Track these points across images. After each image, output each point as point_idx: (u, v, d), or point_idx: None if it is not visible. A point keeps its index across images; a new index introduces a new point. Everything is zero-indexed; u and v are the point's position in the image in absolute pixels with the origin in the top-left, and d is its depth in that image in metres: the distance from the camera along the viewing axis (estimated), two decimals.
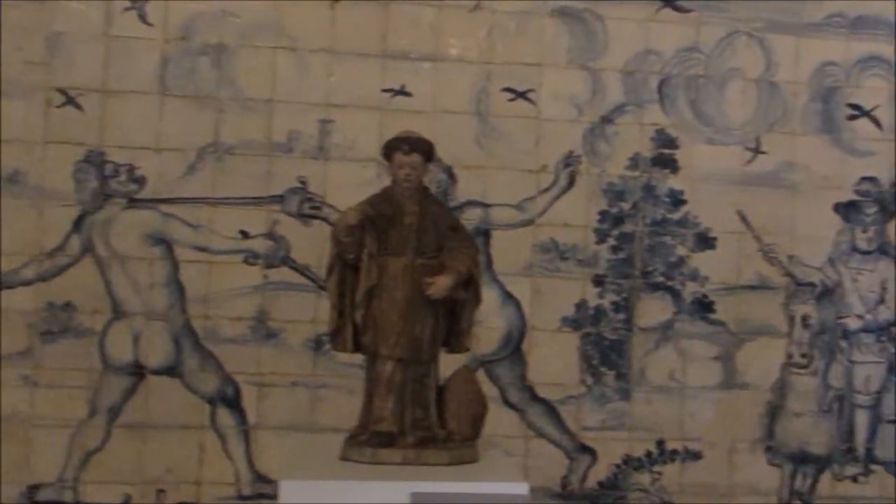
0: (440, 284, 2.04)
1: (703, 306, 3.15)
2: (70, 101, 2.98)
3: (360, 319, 2.07)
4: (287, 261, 3.02)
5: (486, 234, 3.05)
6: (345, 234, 2.06)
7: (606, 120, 3.13)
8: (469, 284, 2.10)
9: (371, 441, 2.04)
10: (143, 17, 3.00)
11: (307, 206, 3.03)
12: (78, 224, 2.97)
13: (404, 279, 2.06)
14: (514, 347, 3.08)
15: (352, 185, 3.00)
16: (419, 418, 2.06)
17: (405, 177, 2.10)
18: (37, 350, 2.95)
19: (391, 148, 2.14)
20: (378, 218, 2.07)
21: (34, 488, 2.93)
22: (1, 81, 2.95)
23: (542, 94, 3.11)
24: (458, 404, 2.09)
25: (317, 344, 3.01)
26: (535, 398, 3.09)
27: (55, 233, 2.97)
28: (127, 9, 3.00)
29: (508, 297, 3.07)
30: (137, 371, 2.97)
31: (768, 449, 3.20)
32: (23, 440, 2.94)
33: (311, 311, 3.01)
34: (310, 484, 1.88)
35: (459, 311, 2.12)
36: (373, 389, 2.08)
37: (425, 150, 2.13)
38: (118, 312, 2.97)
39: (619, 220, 3.13)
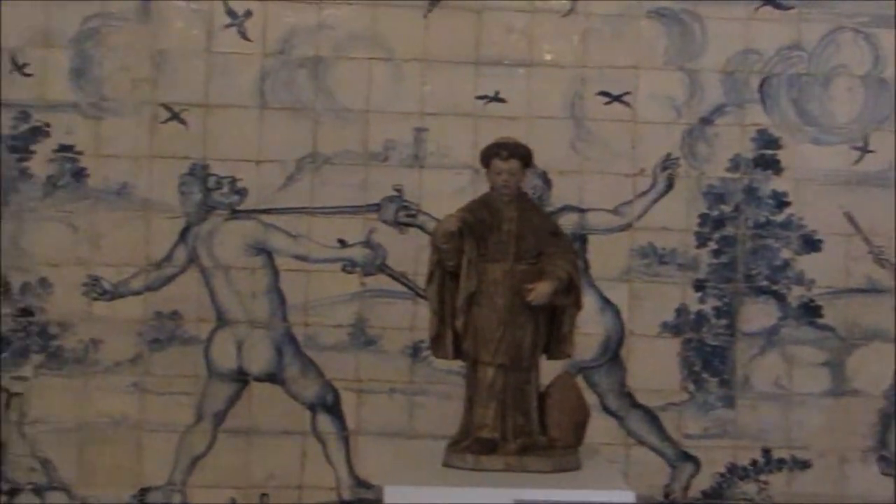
0: (541, 290, 2.03)
1: (810, 311, 3.05)
2: (175, 116, 3.08)
3: (460, 326, 2.07)
4: (384, 268, 3.05)
5: (582, 239, 3.02)
6: (444, 241, 2.07)
7: (706, 121, 3.06)
8: (569, 290, 2.09)
9: (473, 447, 2.04)
10: (242, 34, 3.08)
11: (403, 214, 3.05)
12: (183, 235, 3.06)
13: (504, 285, 2.06)
14: (612, 354, 3.04)
15: (446, 192, 3.02)
16: (521, 425, 2.06)
17: (504, 183, 2.10)
18: (146, 357, 3.05)
19: (489, 154, 2.14)
20: (477, 224, 2.08)
21: (145, 491, 3.03)
22: (110, 100, 3.08)
23: (638, 96, 3.06)
24: (559, 411, 2.08)
25: (414, 350, 3.03)
26: (635, 405, 3.04)
27: (162, 244, 3.07)
28: (227, 25, 3.08)
29: (606, 302, 3.03)
30: (241, 378, 3.04)
31: (881, 458, 3.07)
32: (133, 444, 3.04)
33: (408, 318, 3.03)
34: (414, 489, 1.89)
35: (560, 317, 2.11)
36: (474, 396, 2.08)
37: (523, 155, 2.12)
38: (222, 321, 3.05)
39: (720, 223, 3.06)
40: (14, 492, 3.02)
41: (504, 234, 2.09)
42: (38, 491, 3.02)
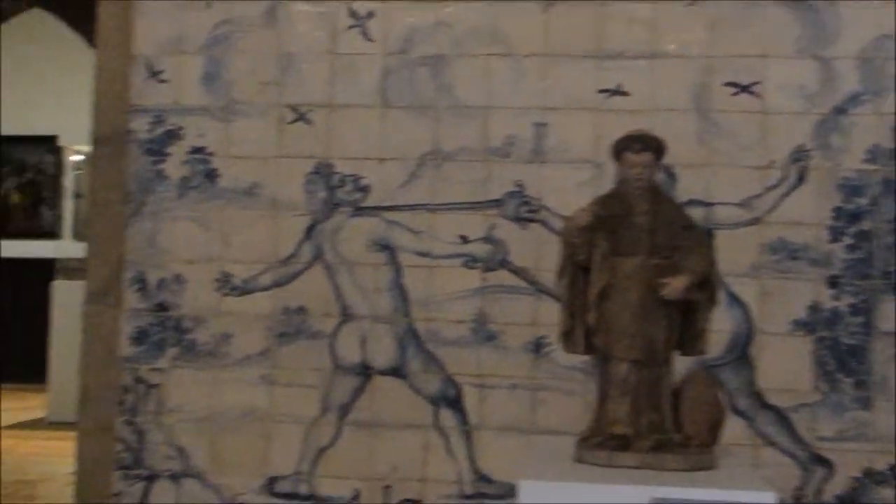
0: (676, 285, 2.00)
1: None
2: (301, 117, 3.16)
3: (592, 321, 2.06)
4: (505, 264, 3.06)
5: (708, 234, 2.94)
6: (575, 236, 2.06)
7: (840, 111, 2.94)
8: (704, 286, 2.04)
9: (606, 444, 2.02)
10: (365, 34, 3.14)
11: (524, 209, 3.05)
12: (309, 232, 3.14)
13: (637, 280, 2.03)
14: (740, 352, 2.96)
15: (568, 187, 3.00)
16: (654, 421, 2.02)
17: (637, 176, 2.07)
18: (274, 351, 3.15)
19: (621, 147, 2.12)
20: (609, 218, 2.06)
21: (273, 480, 3.12)
22: (239, 103, 3.19)
23: (767, 86, 2.97)
24: (695, 408, 2.04)
25: (536, 346, 3.02)
26: (765, 405, 2.95)
27: (288, 241, 3.16)
28: (350, 27, 3.15)
29: (734, 299, 2.95)
30: (365, 371, 3.10)
31: None
32: (262, 435, 3.14)
33: (529, 314, 3.03)
34: (549, 485, 1.89)
35: (694, 312, 2.07)
36: (607, 391, 2.06)
37: (656, 147, 2.09)
38: (347, 315, 3.12)
39: (855, 216, 2.93)
40: (152, 478, 3.16)
41: (636, 228, 2.06)
42: (174, 478, 3.15)
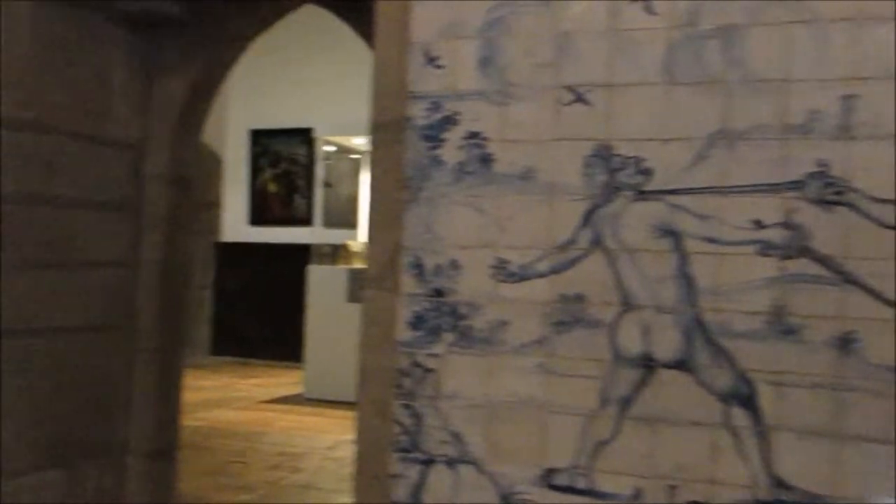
0: None
1: None
2: (578, 98, 3.05)
3: None
4: (807, 251, 2.79)
5: None
6: None
7: None
8: None
9: None
10: (648, 8, 2.97)
11: (829, 191, 2.77)
12: (587, 218, 3.03)
13: None
14: None
15: (881, 166, 2.70)
16: None
17: None
18: (551, 339, 3.07)
19: None
20: None
21: (550, 472, 3.05)
22: (514, 86, 3.13)
23: None
24: None
25: (842, 342, 2.74)
26: None
27: (566, 227, 3.07)
28: (633, 0, 2.99)
29: None
30: (648, 364, 2.95)
31: None
32: (538, 425, 3.08)
33: (835, 307, 2.75)
34: None
35: None
36: None
37: None
38: (628, 305, 2.98)
39: None
40: (429, 462, 3.19)
41: None
42: (450, 463, 3.16)
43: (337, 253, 9.45)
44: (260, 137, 11.91)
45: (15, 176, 3.71)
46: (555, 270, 3.09)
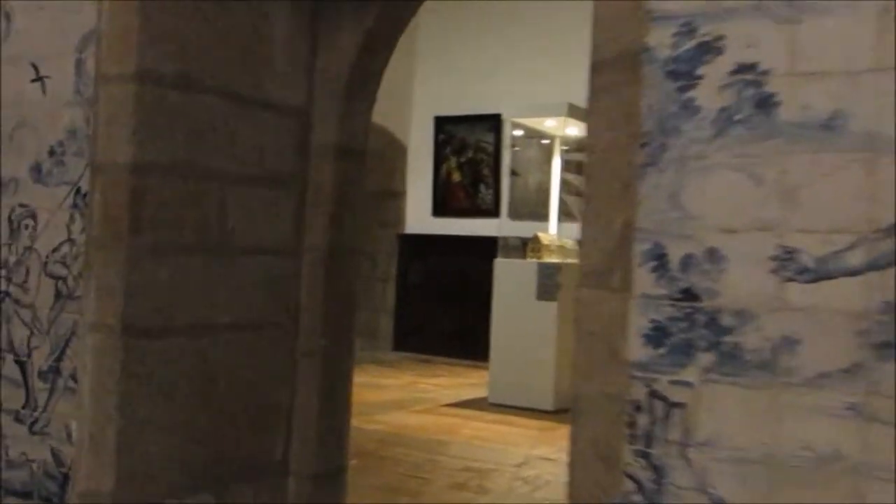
0: None
1: None
2: None
3: None
4: None
5: None
6: None
7: None
8: None
9: None
10: None
11: None
12: None
13: None
14: None
15: None
16: None
17: None
18: (869, 368, 2.04)
19: None
20: None
21: None
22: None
23: None
24: None
25: None
26: None
27: (892, 200, 2.03)
28: None
29: None
30: None
31: None
32: (851, 494, 2.06)
33: None
34: None
35: None
36: None
37: None
38: None
39: None
40: None
41: None
42: None
43: (526, 246, 8.68)
44: (445, 124, 11.36)
45: (155, 143, 3.07)
46: (874, 266, 2.04)
